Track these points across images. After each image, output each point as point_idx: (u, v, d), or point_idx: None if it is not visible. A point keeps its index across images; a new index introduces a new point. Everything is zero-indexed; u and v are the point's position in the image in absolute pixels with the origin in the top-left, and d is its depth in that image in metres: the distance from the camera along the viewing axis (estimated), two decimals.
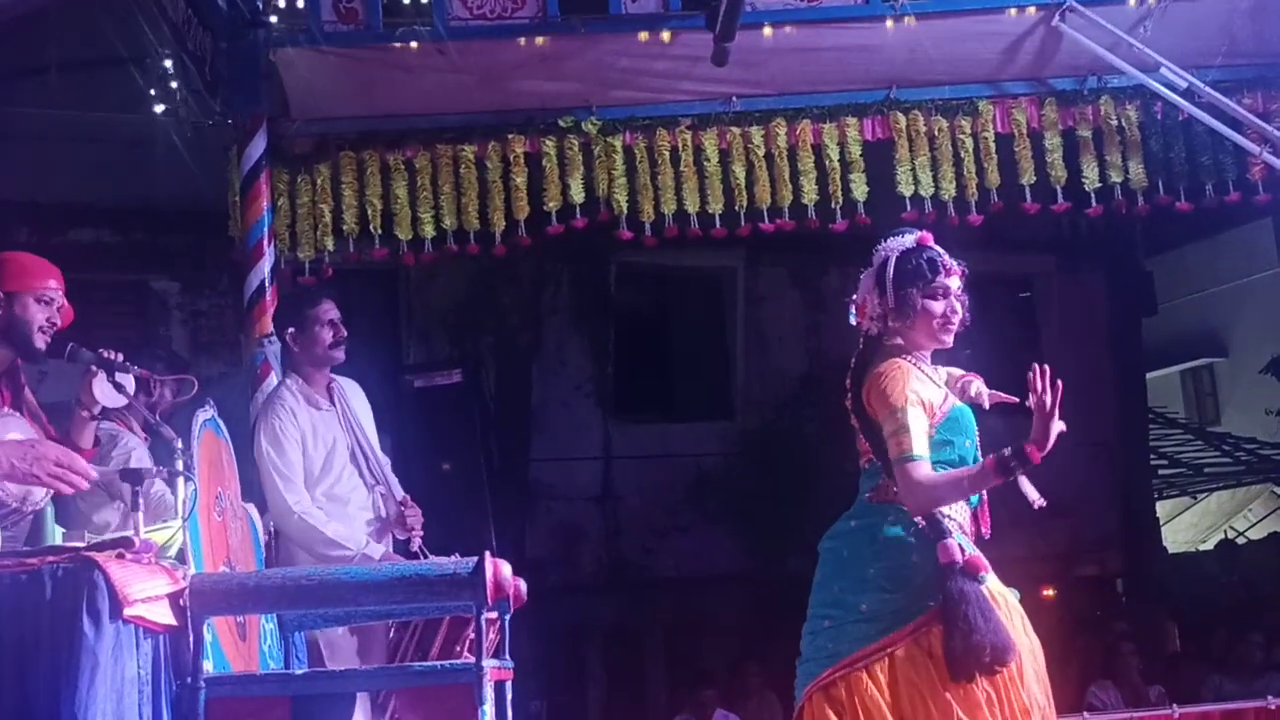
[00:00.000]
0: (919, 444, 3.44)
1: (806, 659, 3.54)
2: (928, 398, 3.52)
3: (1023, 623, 3.49)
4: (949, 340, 3.65)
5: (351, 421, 4.96)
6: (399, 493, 5.00)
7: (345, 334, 4.96)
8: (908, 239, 3.70)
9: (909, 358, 3.60)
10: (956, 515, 3.51)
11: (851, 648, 3.47)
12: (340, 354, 4.96)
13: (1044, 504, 3.39)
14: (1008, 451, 3.34)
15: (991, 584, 3.44)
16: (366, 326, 11.34)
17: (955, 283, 3.64)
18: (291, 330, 4.94)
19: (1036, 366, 3.34)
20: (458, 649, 3.93)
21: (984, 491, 3.56)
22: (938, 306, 3.61)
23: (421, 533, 4.94)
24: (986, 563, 3.43)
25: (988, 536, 3.60)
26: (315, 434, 4.83)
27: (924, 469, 3.42)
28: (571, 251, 10.53)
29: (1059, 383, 3.33)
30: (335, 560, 4.69)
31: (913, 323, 3.60)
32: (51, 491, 3.56)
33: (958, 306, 3.64)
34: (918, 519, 3.46)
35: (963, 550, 3.38)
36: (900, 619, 3.41)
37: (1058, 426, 3.31)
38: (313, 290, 5.47)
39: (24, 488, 3.43)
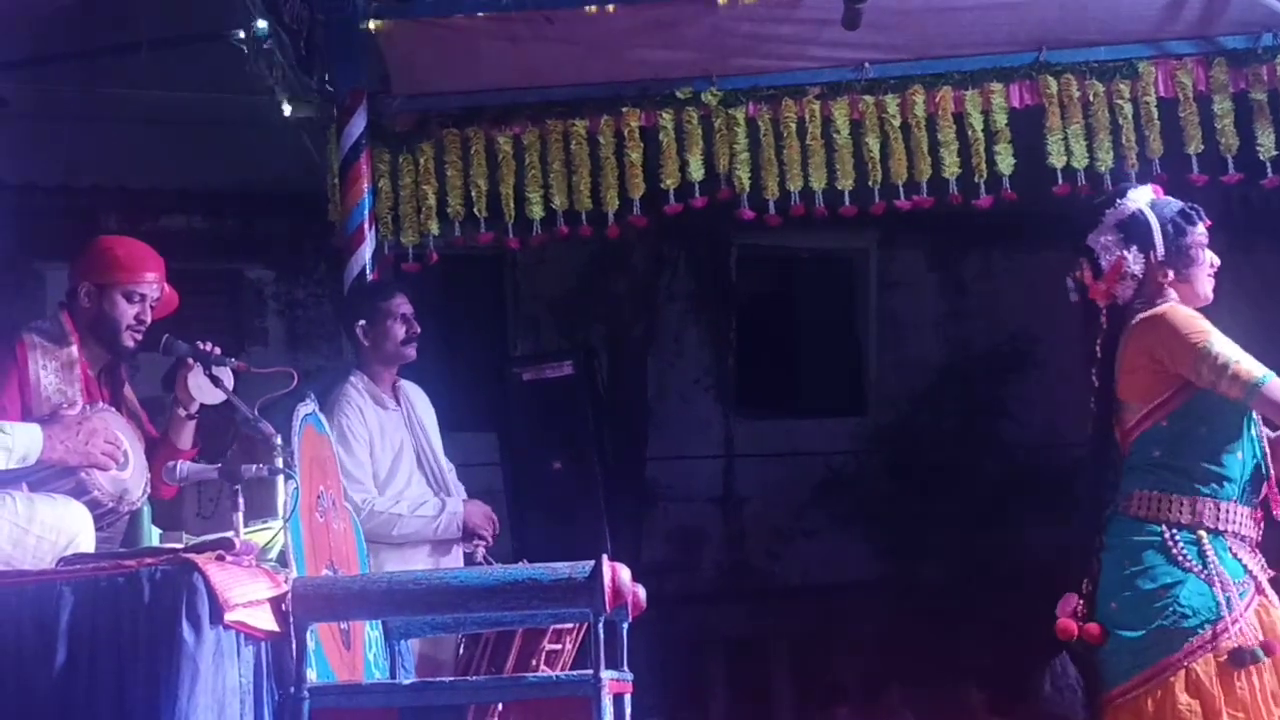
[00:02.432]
0: (1255, 366, 3.40)
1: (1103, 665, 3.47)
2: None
3: None
4: (1211, 295, 3.65)
5: (417, 425, 5.02)
6: (464, 495, 5.06)
7: (419, 330, 5.02)
8: (1143, 190, 3.72)
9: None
10: (1230, 524, 3.46)
11: (1117, 679, 3.44)
12: (412, 352, 5.02)
13: None
14: None
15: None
16: (471, 315, 11.50)
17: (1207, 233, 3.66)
18: (362, 323, 5.01)
19: None
20: (534, 663, 3.96)
21: (1269, 465, 3.52)
22: (1207, 255, 3.64)
23: (491, 540, 4.99)
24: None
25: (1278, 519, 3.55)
26: (383, 434, 4.90)
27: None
28: (689, 233, 10.55)
29: None
30: (418, 530, 4.77)
31: (1190, 273, 3.60)
32: (148, 491, 3.66)
33: (1216, 259, 3.65)
34: (1173, 543, 3.42)
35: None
36: (1149, 658, 3.39)
37: None
38: (387, 281, 5.51)
39: (119, 486, 3.52)
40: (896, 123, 6.51)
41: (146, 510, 3.69)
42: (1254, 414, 3.53)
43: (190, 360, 3.90)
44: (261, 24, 6.14)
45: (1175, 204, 3.69)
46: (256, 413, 3.75)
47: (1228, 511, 3.48)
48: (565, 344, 11.35)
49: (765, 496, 12.47)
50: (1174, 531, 3.46)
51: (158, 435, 4.03)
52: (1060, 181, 6.49)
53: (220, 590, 2.94)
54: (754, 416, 12.62)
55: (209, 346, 3.90)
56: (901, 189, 6.54)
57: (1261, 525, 3.56)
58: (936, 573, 11.48)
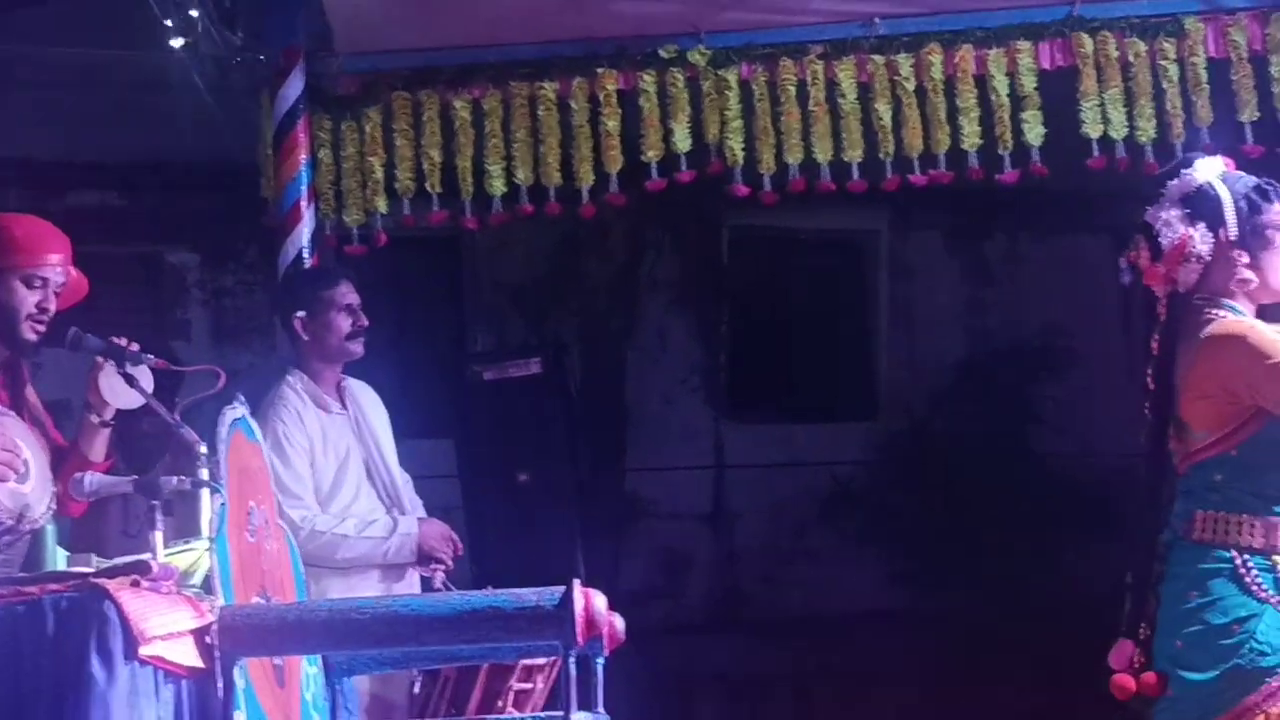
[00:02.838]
0: None
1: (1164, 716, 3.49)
2: None
3: None
4: None
5: (366, 431, 5.03)
6: (421, 513, 5.07)
7: (366, 323, 5.02)
8: (1213, 161, 3.70)
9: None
10: None
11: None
12: (359, 347, 5.03)
13: None
14: None
15: None
16: (424, 305, 11.50)
17: None
18: (301, 315, 5.02)
19: None
20: (500, 704, 3.98)
21: None
22: None
23: (450, 564, 4.99)
24: None
25: None
26: (326, 441, 4.92)
27: None
28: (675, 213, 10.55)
29: None
30: (366, 553, 4.78)
31: (1264, 258, 3.58)
32: (53, 508, 3.66)
33: None
34: (1246, 570, 3.42)
35: None
36: (1222, 704, 3.39)
37: None
38: (332, 267, 5.51)
39: (19, 501, 3.52)
40: (910, 86, 6.54)
41: (51, 529, 3.67)
42: None
43: (102, 358, 3.89)
44: None
45: (1250, 179, 3.68)
46: (178, 417, 3.75)
47: None
48: (532, 339, 11.36)
49: (761, 513, 12.48)
50: (1245, 557, 3.45)
51: (66, 444, 4.02)
52: (1096, 153, 6.52)
53: (135, 620, 2.94)
54: (748, 422, 12.63)
55: (124, 342, 3.89)
56: (916, 162, 6.57)
57: None
58: (959, 601, 11.50)
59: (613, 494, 11.46)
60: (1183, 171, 3.69)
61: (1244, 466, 3.49)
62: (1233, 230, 3.58)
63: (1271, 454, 3.48)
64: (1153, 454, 3.62)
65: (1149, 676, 3.47)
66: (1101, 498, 11.12)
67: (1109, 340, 11.56)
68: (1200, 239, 3.58)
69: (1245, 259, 3.58)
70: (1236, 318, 3.55)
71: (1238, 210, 3.59)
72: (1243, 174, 3.71)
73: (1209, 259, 3.58)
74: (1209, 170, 3.67)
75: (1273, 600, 3.42)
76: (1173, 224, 3.60)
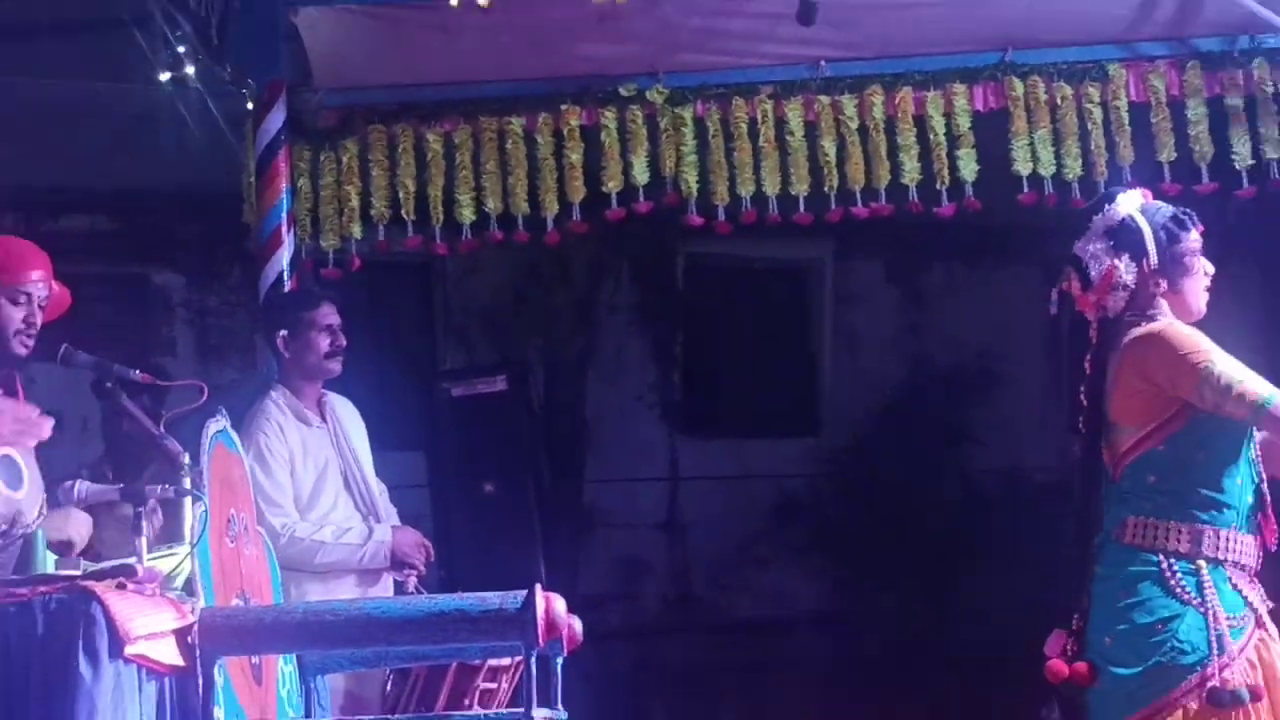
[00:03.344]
0: (1262, 385, 3.41)
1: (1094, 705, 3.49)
2: None
3: None
4: (1204, 309, 3.66)
5: (344, 443, 5.01)
6: (395, 521, 5.05)
7: (344, 343, 5.00)
8: (1132, 195, 3.73)
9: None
10: (1230, 553, 3.48)
11: (1118, 714, 3.45)
12: (337, 366, 5.01)
13: None
14: None
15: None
16: (396, 326, 11.47)
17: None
18: (283, 334, 5.00)
19: None
20: (466, 702, 3.97)
21: (1265, 492, 3.55)
22: (1201, 265, 3.66)
23: (422, 569, 4.98)
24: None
25: (1275, 549, 3.58)
26: (306, 453, 4.89)
27: None
28: (633, 241, 10.55)
29: None
30: (343, 559, 4.76)
31: (1183, 284, 3.61)
32: (44, 514, 3.63)
33: (1210, 267, 3.67)
34: (1170, 573, 3.43)
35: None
36: (1144, 698, 3.40)
37: None
38: (313, 289, 5.49)
39: (12, 507, 3.49)
40: (854, 125, 6.55)
41: (41, 534, 3.64)
42: (1253, 438, 3.55)
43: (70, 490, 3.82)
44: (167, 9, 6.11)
45: (1167, 209, 3.72)
46: (163, 429, 3.72)
47: (1228, 540, 3.49)
48: (498, 358, 11.34)
49: (713, 522, 12.48)
50: (1171, 561, 3.46)
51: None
52: (1026, 189, 6.56)
53: (121, 621, 2.92)
54: (701, 437, 12.64)
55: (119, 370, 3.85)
56: (859, 195, 6.59)
57: (1261, 554, 3.58)
58: (897, 605, 11.53)
59: (573, 504, 11.44)
60: (1106, 206, 3.71)
61: (1173, 464, 3.50)
62: (1154, 260, 3.60)
63: (1196, 449, 3.50)
64: (1086, 463, 3.64)
65: (1080, 666, 3.48)
66: (1026, 509, 11.17)
67: (1035, 365, 11.65)
68: (1125, 269, 3.60)
69: (1164, 285, 3.62)
70: (1155, 322, 3.58)
71: (1157, 241, 3.62)
72: (1161, 205, 3.75)
73: (1134, 286, 3.61)
74: (1130, 204, 3.69)
75: (1194, 603, 3.43)
76: (1099, 256, 3.63)
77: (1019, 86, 6.57)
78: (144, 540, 3.37)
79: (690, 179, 6.53)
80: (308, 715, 3.69)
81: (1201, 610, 3.42)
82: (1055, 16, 6.52)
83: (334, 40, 6.48)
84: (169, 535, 3.56)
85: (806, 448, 12.83)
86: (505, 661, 3.89)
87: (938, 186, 6.54)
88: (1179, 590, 3.44)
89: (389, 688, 4.24)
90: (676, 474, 12.58)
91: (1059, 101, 6.57)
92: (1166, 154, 6.55)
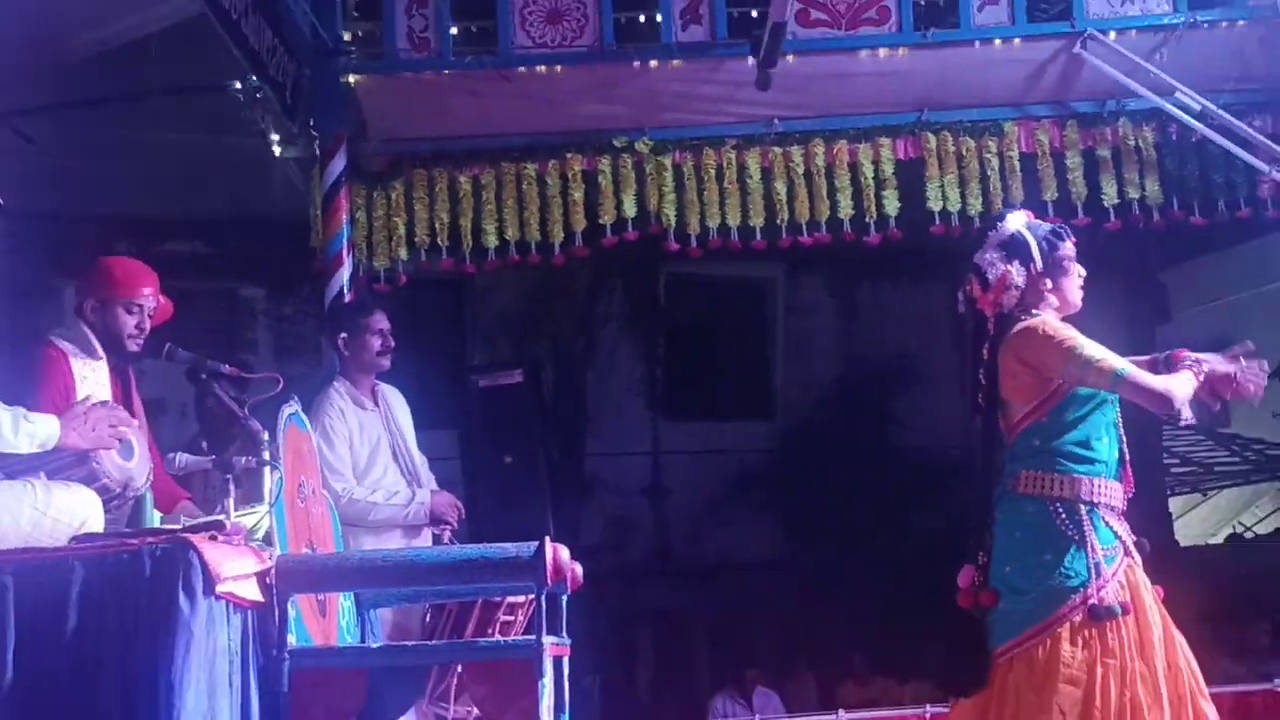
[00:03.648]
0: (1116, 360, 3.42)
1: (997, 623, 3.47)
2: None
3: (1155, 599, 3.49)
4: (1080, 303, 3.65)
5: (393, 423, 4.99)
6: (434, 487, 5.02)
7: (393, 344, 4.96)
8: (1019, 215, 3.72)
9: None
10: (1102, 497, 3.48)
11: (1011, 633, 3.41)
12: (386, 362, 4.97)
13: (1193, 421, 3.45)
14: (1220, 371, 3.46)
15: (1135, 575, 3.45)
16: (435, 330, 11.44)
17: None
18: (344, 336, 4.96)
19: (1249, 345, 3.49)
20: (490, 631, 3.93)
21: (1125, 450, 3.55)
22: (1076, 267, 3.64)
23: (455, 525, 4.95)
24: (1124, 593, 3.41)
25: (1131, 495, 3.59)
26: (362, 431, 4.86)
27: (1144, 375, 3.41)
28: (624, 262, 10.56)
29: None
30: (391, 516, 4.75)
31: (1063, 283, 3.60)
32: (151, 479, 3.61)
33: (1083, 270, 3.66)
34: (1056, 514, 3.43)
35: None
36: (1037, 615, 3.39)
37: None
38: (368, 300, 5.47)
39: (125, 474, 3.47)
40: (800, 170, 6.57)
41: (148, 496, 3.63)
42: (1117, 408, 3.56)
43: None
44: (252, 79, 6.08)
45: (1046, 225, 3.72)
46: (247, 412, 3.71)
47: (1100, 486, 3.49)
48: (516, 355, 11.34)
49: (687, 489, 12.50)
50: (1056, 505, 3.46)
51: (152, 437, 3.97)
52: (937, 222, 6.57)
53: (212, 565, 2.91)
54: (678, 420, 12.65)
55: (216, 364, 3.83)
56: (804, 227, 6.60)
57: (1126, 498, 3.58)
58: (833, 554, 11.55)
59: (575, 474, 11.45)
60: (998, 224, 3.72)
61: (1054, 430, 3.50)
62: (1039, 264, 3.60)
63: (1072, 418, 3.50)
64: (986, 432, 3.62)
65: (987, 595, 3.48)
66: (939, 478, 11.20)
67: (944, 362, 11.68)
68: (1016, 273, 3.59)
69: (1049, 284, 3.61)
70: (1033, 317, 3.57)
71: (1041, 249, 3.61)
72: (1041, 222, 3.75)
73: (1023, 287, 3.60)
74: (1017, 221, 3.69)
75: (1076, 538, 3.43)
76: (995, 264, 3.61)
77: (932, 140, 6.59)
78: (231, 501, 3.36)
79: (670, 213, 6.53)
80: (362, 641, 3.68)
81: (1082, 544, 3.43)
82: (961, 84, 6.54)
83: (384, 102, 6.48)
84: (251, 497, 3.54)
85: (763, 429, 12.86)
86: (521, 599, 3.86)
87: (867, 220, 6.55)
88: (1064, 528, 3.44)
89: (427, 619, 4.21)
90: (658, 450, 12.59)
91: (964, 152, 6.58)
92: (1050, 194, 6.57)
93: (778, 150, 6.58)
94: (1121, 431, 3.59)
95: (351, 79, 6.36)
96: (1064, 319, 3.62)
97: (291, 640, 3.19)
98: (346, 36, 6.47)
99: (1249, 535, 15.05)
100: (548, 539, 3.24)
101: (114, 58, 6.31)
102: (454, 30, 6.46)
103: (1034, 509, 3.48)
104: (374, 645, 3.65)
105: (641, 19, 6.55)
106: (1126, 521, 3.58)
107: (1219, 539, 15.30)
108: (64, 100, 7.87)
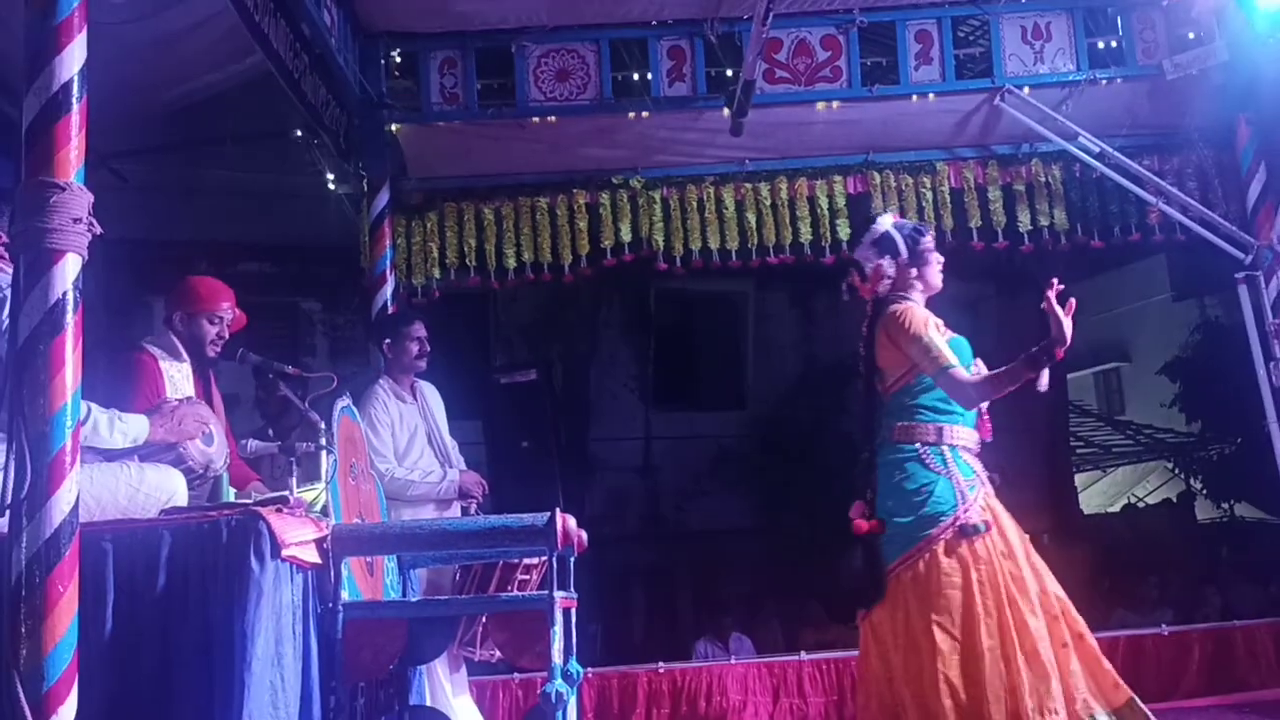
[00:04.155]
0: (949, 355, 3.46)
1: (886, 547, 3.50)
2: (938, 322, 3.56)
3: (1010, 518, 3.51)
4: (941, 284, 3.69)
5: (429, 414, 4.97)
6: (463, 466, 5.01)
7: (429, 350, 4.94)
8: (889, 217, 3.78)
9: (915, 303, 3.61)
10: (961, 440, 3.51)
11: (897, 553, 3.45)
12: (423, 365, 4.94)
13: (1045, 389, 3.40)
14: (1035, 349, 3.34)
15: (986, 500, 3.47)
16: (463, 337, 11.42)
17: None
18: (387, 341, 4.95)
19: (1054, 282, 3.40)
20: (509, 588, 3.93)
21: (982, 408, 3.56)
22: (935, 256, 3.69)
23: (480, 499, 4.94)
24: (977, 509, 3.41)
25: (989, 440, 3.60)
26: (403, 421, 4.84)
27: (961, 373, 3.43)
28: (621, 279, 10.54)
29: (1071, 301, 3.36)
30: (426, 492, 4.74)
31: (925, 271, 3.63)
32: (228, 460, 3.61)
33: (941, 257, 3.71)
34: (925, 456, 3.46)
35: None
36: (918, 534, 3.42)
37: (1069, 325, 3.31)
38: (408, 312, 5.44)
39: (206, 457, 3.47)
40: (768, 203, 6.57)
41: (225, 476, 3.62)
42: (973, 369, 3.58)
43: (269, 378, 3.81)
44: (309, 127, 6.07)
45: (909, 224, 3.77)
46: (307, 404, 3.71)
47: (959, 432, 3.54)
48: (531, 357, 11.34)
49: (674, 467, 12.50)
50: (926, 448, 3.50)
51: (229, 427, 3.96)
52: None
53: (278, 533, 2.90)
54: (666, 409, 12.65)
55: (281, 366, 3.83)
56: (771, 249, 6.60)
57: (980, 441, 3.61)
58: (794, 521, 11.56)
59: (580, 455, 11.44)
60: (872, 226, 3.76)
61: (919, 391, 3.55)
62: (905, 256, 3.64)
63: (929, 384, 3.53)
64: (867, 395, 3.67)
65: (874, 523, 3.52)
66: None
67: None
68: (888, 264, 3.64)
69: (914, 272, 3.64)
70: (906, 304, 3.60)
71: (906, 244, 3.66)
72: (905, 221, 3.80)
73: (894, 276, 3.64)
74: (886, 223, 3.74)
75: (944, 472, 3.47)
76: (870, 259, 3.69)
77: (877, 177, 6.59)
78: (294, 480, 3.35)
79: (659, 238, 6.54)
80: (404, 595, 3.68)
81: (949, 477, 3.47)
82: (900, 131, 6.55)
83: (421, 147, 6.47)
84: (311, 476, 3.54)
85: (737, 417, 12.86)
86: (535, 561, 3.86)
87: (823, 244, 6.56)
88: (933, 465, 3.48)
89: (457, 578, 4.21)
90: (650, 435, 12.59)
91: (903, 187, 6.59)
92: (975, 222, 6.59)
93: (748, 186, 6.59)
94: None
95: (393, 128, 6.36)
96: (928, 298, 3.68)
97: (344, 595, 3.19)
98: (388, 91, 6.45)
99: (1141, 505, 15.09)
100: (558, 510, 3.24)
101: (195, 109, 6.30)
102: (479, 86, 6.46)
103: (908, 453, 3.52)
104: (413, 600, 3.65)
105: (635, 77, 6.56)
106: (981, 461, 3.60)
107: (1116, 509, 15.34)
108: (153, 145, 7.87)
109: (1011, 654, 3.30)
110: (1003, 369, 3.43)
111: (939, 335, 3.51)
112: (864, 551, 3.53)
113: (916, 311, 3.56)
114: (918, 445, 3.51)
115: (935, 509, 3.43)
